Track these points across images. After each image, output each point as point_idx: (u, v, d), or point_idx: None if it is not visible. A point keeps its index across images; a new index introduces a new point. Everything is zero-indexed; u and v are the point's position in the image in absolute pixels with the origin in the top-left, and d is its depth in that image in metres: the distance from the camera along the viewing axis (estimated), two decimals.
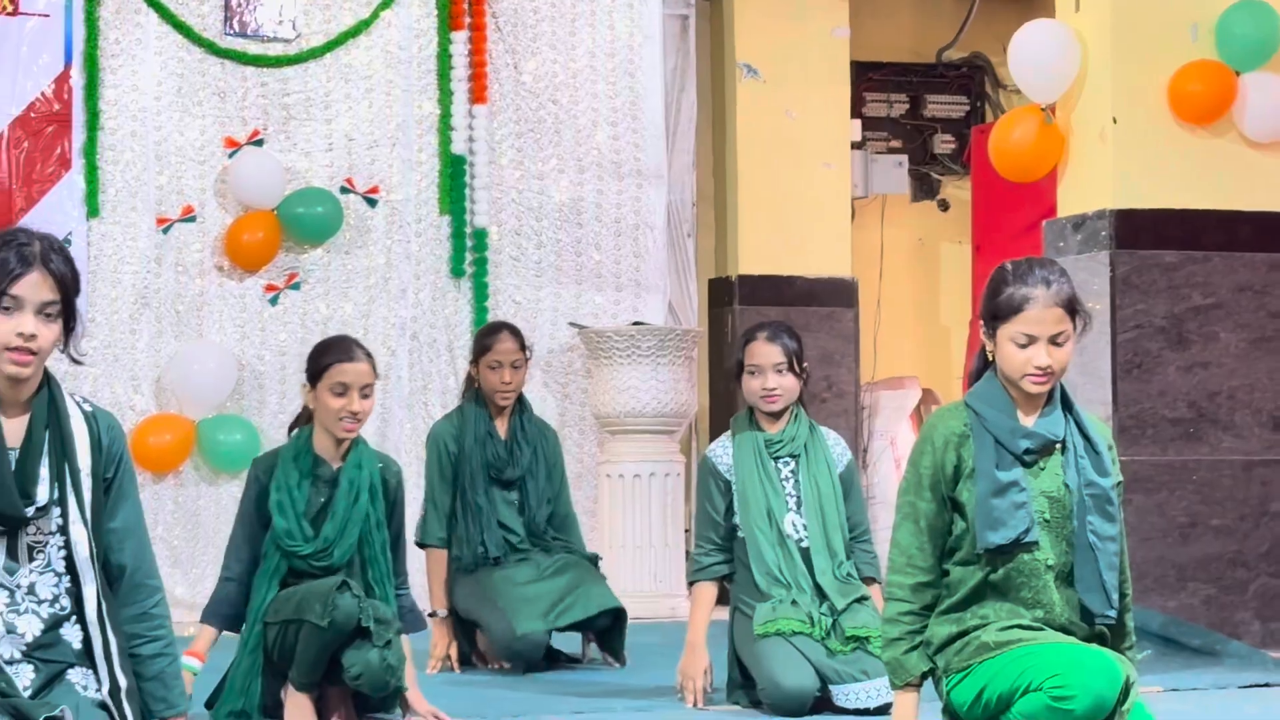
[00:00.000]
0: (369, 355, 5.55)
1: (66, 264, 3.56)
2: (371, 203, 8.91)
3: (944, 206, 11.02)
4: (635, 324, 9.14)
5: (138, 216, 8.79)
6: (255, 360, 8.94)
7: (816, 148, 9.80)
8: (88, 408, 3.65)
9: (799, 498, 5.93)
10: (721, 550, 5.92)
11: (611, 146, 9.40)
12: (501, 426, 7.07)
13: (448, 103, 9.18)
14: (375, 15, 9.14)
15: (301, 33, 9.01)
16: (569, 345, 9.20)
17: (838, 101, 9.95)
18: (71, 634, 3.59)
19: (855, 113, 10.23)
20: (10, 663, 3.52)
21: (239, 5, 8.99)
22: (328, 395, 5.46)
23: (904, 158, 10.73)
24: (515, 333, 7.08)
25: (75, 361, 3.64)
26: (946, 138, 11.00)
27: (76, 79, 8.70)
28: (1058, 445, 4.08)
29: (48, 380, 3.61)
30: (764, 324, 6.08)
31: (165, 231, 8.83)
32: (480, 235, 9.15)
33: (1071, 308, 4.04)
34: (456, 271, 9.15)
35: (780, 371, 5.90)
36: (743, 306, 9.77)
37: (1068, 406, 4.12)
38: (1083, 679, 3.90)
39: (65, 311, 3.53)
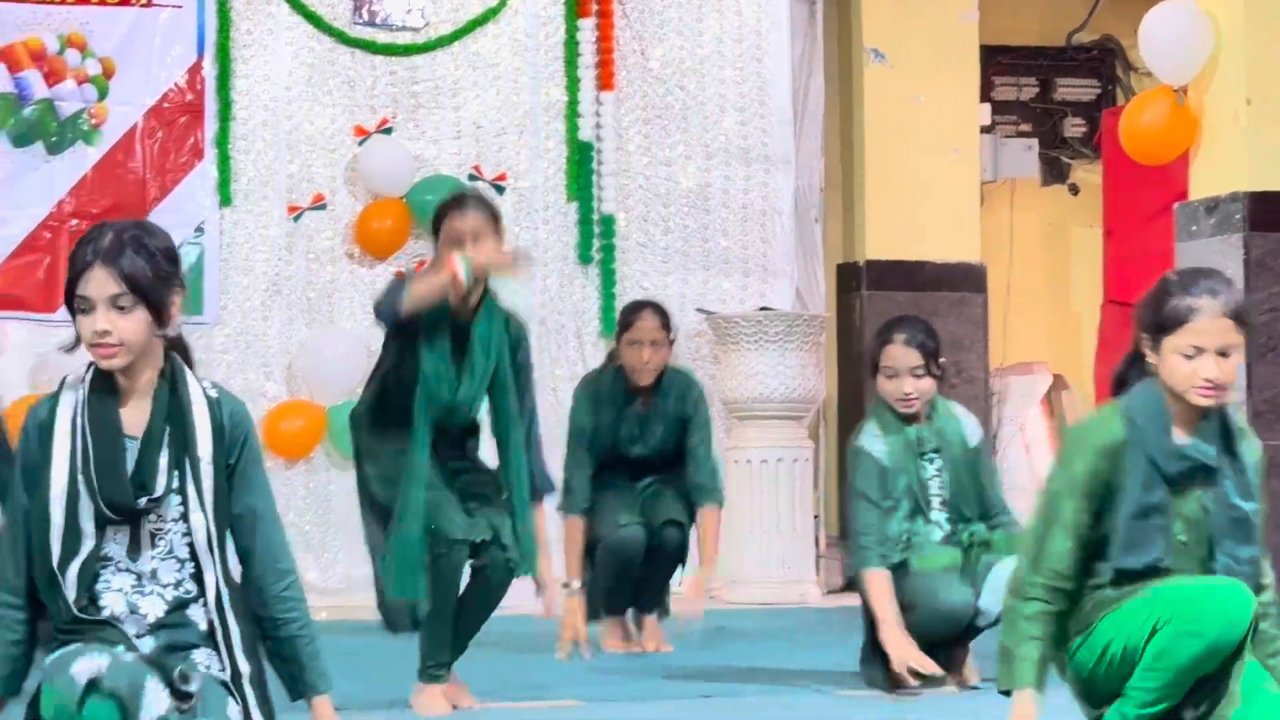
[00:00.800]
0: (485, 205, 5.60)
1: (139, 252, 3.54)
2: (499, 189, 8.95)
3: (1074, 190, 10.92)
4: (763, 309, 9.14)
5: (269, 205, 8.91)
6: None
7: (945, 132, 9.72)
8: (214, 393, 3.65)
9: (944, 497, 5.93)
10: (888, 539, 5.90)
11: (739, 132, 9.40)
12: (640, 404, 7.07)
13: (575, 90, 9.22)
14: (503, 3, 9.22)
15: (430, 21, 9.10)
16: (696, 331, 9.19)
17: (966, 85, 9.88)
18: (197, 615, 3.61)
19: (984, 97, 10.20)
20: (138, 637, 3.57)
21: None
22: (446, 248, 5.52)
23: (1034, 141, 10.64)
24: (659, 311, 7.03)
25: (173, 346, 3.66)
26: (1077, 121, 10.90)
27: (209, 69, 8.83)
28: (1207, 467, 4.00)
29: (170, 367, 3.65)
30: (900, 323, 6.03)
31: (296, 219, 8.94)
32: (608, 221, 9.17)
33: (1240, 319, 3.94)
34: (584, 258, 9.19)
35: (918, 375, 5.86)
36: (871, 291, 9.72)
37: (1224, 423, 4.03)
38: (1215, 604, 3.82)
39: (145, 299, 3.56)
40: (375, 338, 8.83)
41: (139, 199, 8.65)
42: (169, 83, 8.83)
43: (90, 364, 3.59)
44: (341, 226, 9.00)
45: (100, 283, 3.52)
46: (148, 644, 3.55)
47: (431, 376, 5.54)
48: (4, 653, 3.59)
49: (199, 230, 8.76)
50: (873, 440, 5.96)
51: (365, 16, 9.07)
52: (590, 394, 7.07)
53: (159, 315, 3.56)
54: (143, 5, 8.80)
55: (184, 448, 3.59)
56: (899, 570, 5.87)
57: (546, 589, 5.69)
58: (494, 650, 6.88)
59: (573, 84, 9.23)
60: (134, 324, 3.54)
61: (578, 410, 7.06)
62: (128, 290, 3.52)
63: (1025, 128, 10.79)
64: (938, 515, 5.95)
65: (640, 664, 6.80)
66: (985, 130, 10.17)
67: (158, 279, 3.55)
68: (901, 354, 5.88)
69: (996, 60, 10.48)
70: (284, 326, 8.86)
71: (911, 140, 9.69)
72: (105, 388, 3.60)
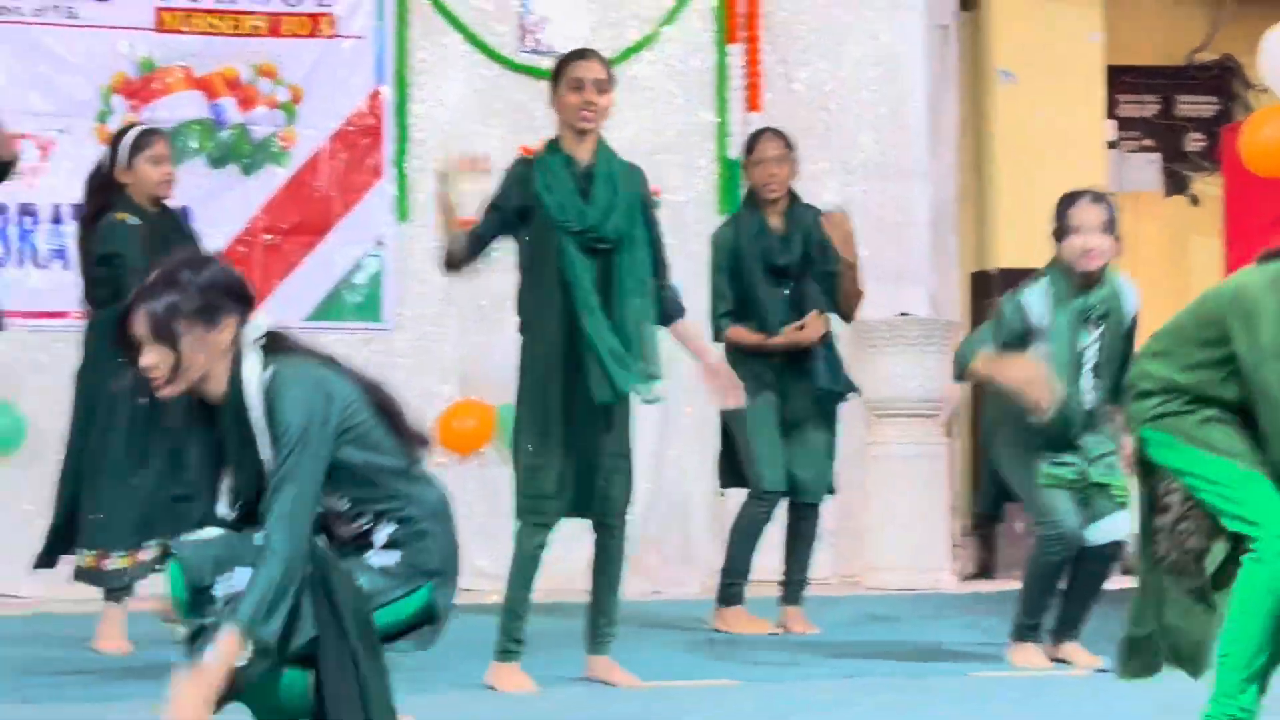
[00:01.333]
0: (602, 59, 5.77)
1: (167, 288, 3.87)
2: (655, 204, 8.97)
3: (1195, 202, 10.80)
4: (901, 315, 9.14)
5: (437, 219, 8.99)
6: None
7: (1072, 147, 9.67)
8: (269, 398, 3.87)
9: (1098, 362, 5.95)
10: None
11: (877, 149, 9.41)
12: (775, 221, 7.22)
13: (724, 111, 9.26)
14: (657, 32, 9.26)
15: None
16: (838, 334, 9.18)
17: (1092, 103, 9.83)
18: None
19: (1109, 113, 10.15)
20: None
21: (533, 25, 9.17)
22: (567, 93, 5.62)
23: (1156, 156, 10.55)
24: (779, 135, 7.29)
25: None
26: (1197, 136, 10.78)
27: (388, 95, 8.94)
28: None
29: (235, 382, 3.88)
30: (1084, 190, 6.06)
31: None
32: None
33: None
34: None
35: (1103, 232, 5.89)
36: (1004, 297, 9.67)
37: None
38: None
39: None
40: None
41: (324, 215, 8.81)
42: (351, 108, 8.95)
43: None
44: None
45: (139, 323, 3.88)
46: None
47: (556, 209, 5.60)
48: None
49: (379, 244, 8.90)
50: (1035, 296, 5.97)
51: (531, 45, 9.15)
52: (731, 231, 7.32)
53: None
54: (328, 37, 8.94)
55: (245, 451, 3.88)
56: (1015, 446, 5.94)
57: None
58: (646, 631, 6.97)
59: (722, 106, 9.27)
60: (171, 357, 3.88)
61: (717, 250, 7.31)
62: (150, 332, 3.86)
63: (1148, 143, 10.68)
64: (1087, 382, 5.94)
65: (788, 645, 6.82)
66: (1110, 145, 10.12)
67: (170, 320, 3.85)
68: (1090, 211, 5.94)
69: (1121, 79, 10.37)
70: (457, 332, 8.94)
71: (1040, 155, 9.64)
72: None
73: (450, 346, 8.96)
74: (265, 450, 3.85)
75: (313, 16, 8.90)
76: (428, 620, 3.99)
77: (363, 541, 3.93)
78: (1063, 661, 6.05)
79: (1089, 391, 5.95)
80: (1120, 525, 6.00)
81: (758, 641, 6.90)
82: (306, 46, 8.90)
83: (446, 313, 8.96)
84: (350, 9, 8.92)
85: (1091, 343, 5.96)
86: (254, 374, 3.86)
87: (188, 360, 3.86)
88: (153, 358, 3.86)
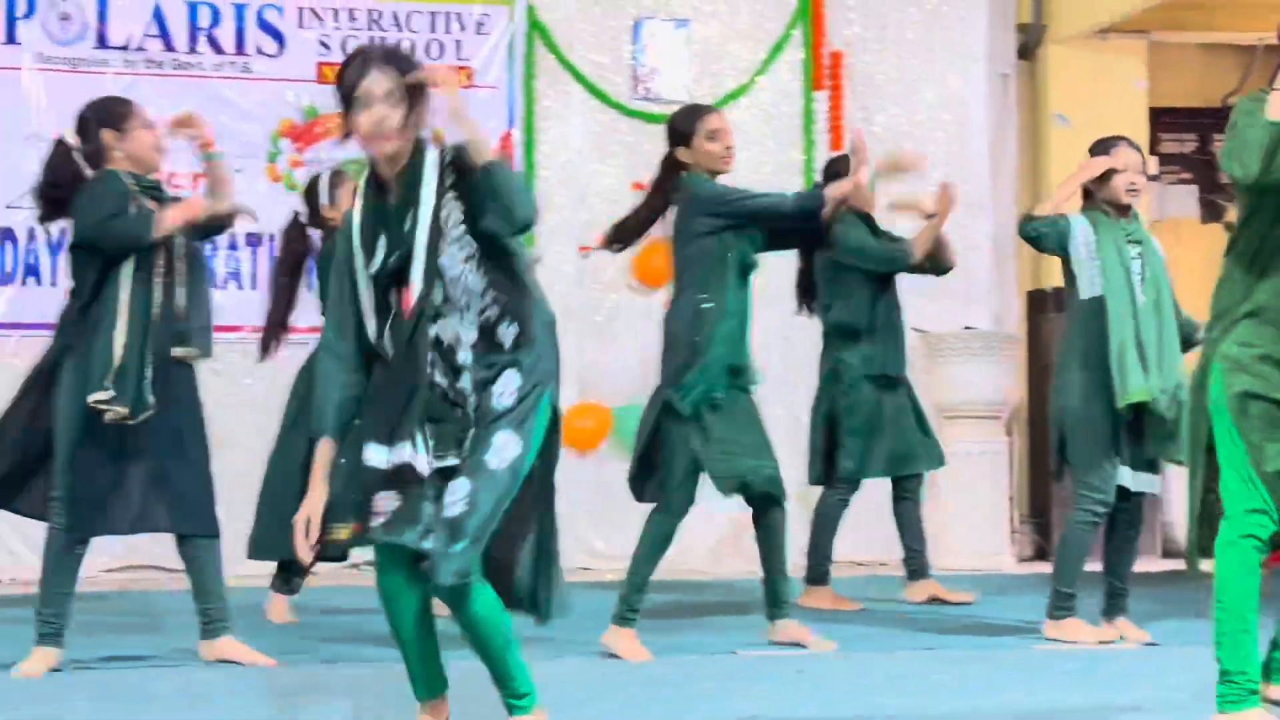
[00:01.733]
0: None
1: (400, 57, 3.97)
2: None
3: (1229, 228, 10.85)
4: (966, 329, 9.23)
5: (564, 246, 9.06)
6: (658, 359, 9.16)
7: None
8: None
9: (1143, 276, 6.04)
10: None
11: None
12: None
13: (811, 151, 9.35)
14: (752, 81, 9.35)
15: (694, 96, 9.11)
16: (911, 345, 9.25)
17: (1136, 141, 9.84)
18: None
19: (1152, 150, 10.12)
20: None
21: (644, 75, 9.28)
22: (706, 142, 5.86)
23: (1194, 188, 10.53)
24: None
25: None
26: None
27: (517, 137, 9.07)
28: None
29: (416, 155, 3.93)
30: (1119, 136, 6.27)
31: (586, 258, 9.11)
32: None
33: None
34: None
35: (1142, 173, 6.13)
36: (1055, 314, 9.75)
37: None
38: None
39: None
40: (650, 351, 9.05)
41: None
42: None
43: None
44: (621, 263, 9.06)
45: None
46: None
47: None
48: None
49: None
50: (1078, 221, 6.10)
51: (642, 93, 9.27)
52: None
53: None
54: (466, 87, 9.07)
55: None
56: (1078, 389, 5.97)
57: None
58: (753, 605, 7.08)
59: (809, 146, 9.38)
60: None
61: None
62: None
63: (1186, 176, 10.65)
64: (1140, 292, 6.00)
65: (873, 619, 6.87)
66: (1152, 178, 10.16)
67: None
68: (1130, 153, 6.16)
69: (1162, 119, 10.40)
70: (576, 343, 8.93)
71: None
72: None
73: (571, 355, 9.06)
74: (423, 224, 3.83)
75: (452, 69, 9.10)
76: (553, 425, 3.95)
77: (492, 337, 3.85)
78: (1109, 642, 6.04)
79: (1142, 301, 5.99)
80: (1155, 481, 6.06)
81: (845, 616, 6.94)
82: None
83: (567, 327, 9.03)
84: (485, 62, 9.08)
85: (1135, 257, 6.05)
86: (434, 150, 3.88)
87: (416, 119, 3.85)
88: (384, 111, 3.81)
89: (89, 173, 5.55)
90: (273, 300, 6.78)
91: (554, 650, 5.65)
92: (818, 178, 9.15)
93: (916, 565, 7.52)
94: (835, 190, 5.74)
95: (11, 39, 8.64)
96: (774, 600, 5.98)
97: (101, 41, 8.74)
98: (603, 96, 9.19)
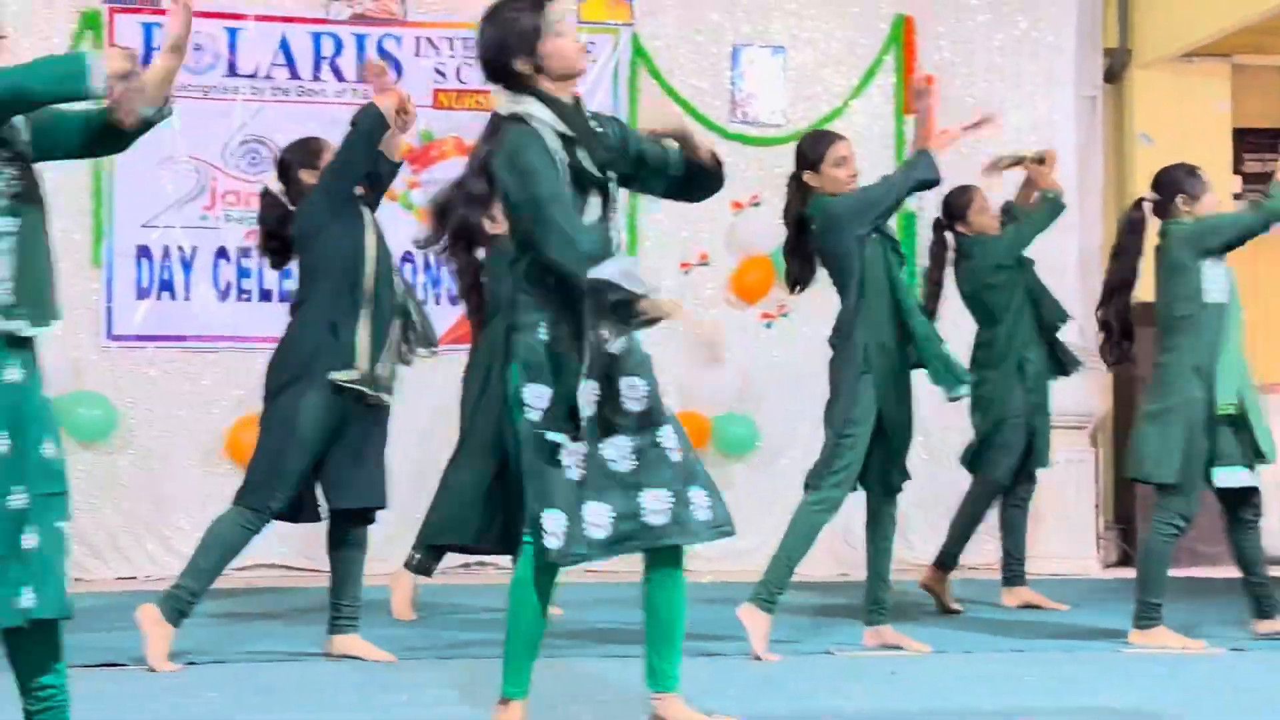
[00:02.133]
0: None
1: None
2: None
3: None
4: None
5: (667, 262, 9.08)
6: (755, 371, 9.10)
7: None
8: None
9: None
10: None
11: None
12: None
13: None
14: (845, 104, 9.30)
15: (790, 119, 9.22)
16: None
17: (1220, 161, 9.67)
18: None
19: (1235, 169, 9.95)
20: None
21: (742, 100, 9.26)
22: (831, 168, 5.97)
23: None
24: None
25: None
26: None
27: None
28: None
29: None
30: (1195, 165, 6.46)
31: (687, 274, 9.13)
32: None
33: None
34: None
35: None
36: (1141, 329, 9.67)
37: None
38: None
39: None
40: (748, 363, 9.11)
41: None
42: None
43: None
44: (721, 279, 9.19)
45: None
46: None
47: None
48: None
49: None
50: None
51: (740, 116, 9.23)
52: None
53: None
54: None
55: None
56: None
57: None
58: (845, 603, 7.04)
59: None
60: None
61: None
62: None
63: None
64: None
65: (966, 622, 6.84)
66: (1235, 197, 10.06)
67: None
68: (1209, 179, 6.43)
69: (1245, 139, 10.26)
70: (677, 356, 9.00)
71: None
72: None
73: (672, 366, 9.06)
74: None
75: None
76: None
77: None
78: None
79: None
80: (1241, 476, 6.03)
81: (940, 620, 6.85)
82: None
83: (669, 340, 9.03)
84: (592, 87, 9.06)
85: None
86: None
87: None
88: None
89: (293, 208, 5.81)
90: (468, 310, 6.89)
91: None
92: (910, 199, 9.16)
93: (1014, 572, 7.46)
94: (940, 144, 5.80)
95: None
96: (872, 604, 5.97)
97: (231, 70, 8.89)
98: (702, 119, 9.09)
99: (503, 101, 4.10)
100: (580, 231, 3.94)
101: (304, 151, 5.86)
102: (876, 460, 5.85)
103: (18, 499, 3.60)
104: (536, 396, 3.97)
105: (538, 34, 4.05)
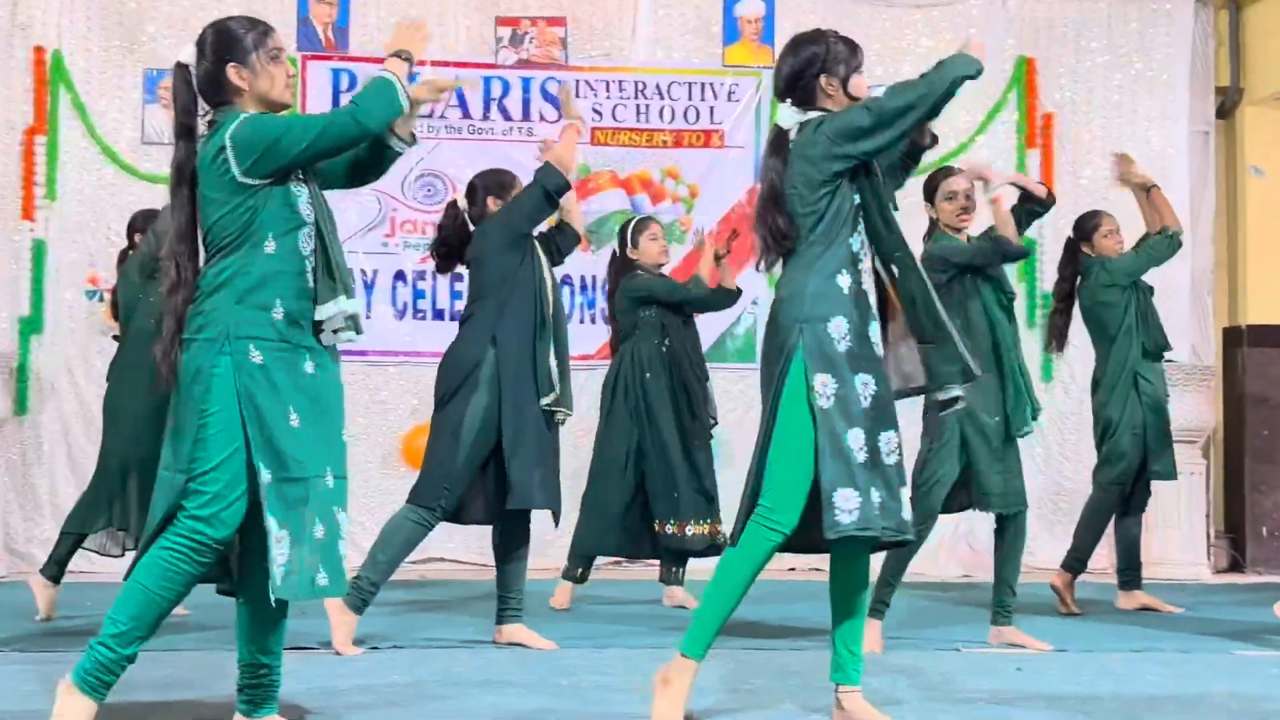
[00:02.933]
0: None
1: None
2: None
3: None
4: (1168, 362, 8.83)
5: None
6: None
7: None
8: None
9: None
10: None
11: None
12: None
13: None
14: (971, 140, 9.33)
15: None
16: None
17: None
18: None
19: None
20: None
21: None
22: (944, 201, 5.87)
23: None
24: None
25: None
26: None
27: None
28: None
29: None
30: None
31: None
32: (1045, 297, 9.16)
33: None
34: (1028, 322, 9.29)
35: None
36: (1250, 348, 9.55)
37: None
38: None
39: None
40: None
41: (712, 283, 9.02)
42: (733, 200, 9.17)
43: None
44: None
45: None
46: None
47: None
48: None
49: (754, 303, 9.08)
50: None
51: None
52: None
53: None
54: (718, 148, 9.21)
55: None
56: None
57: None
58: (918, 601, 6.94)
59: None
60: None
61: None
62: None
63: None
64: None
65: (1088, 622, 6.72)
66: None
67: None
68: None
69: None
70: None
71: None
72: None
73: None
74: None
75: (706, 132, 9.21)
76: None
77: None
78: None
79: None
80: None
81: (1061, 621, 6.75)
82: (702, 155, 9.14)
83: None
84: (735, 125, 9.16)
85: None
86: None
87: None
88: None
89: (472, 228, 5.91)
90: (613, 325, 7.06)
91: (800, 640, 5.64)
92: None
93: (1130, 577, 7.35)
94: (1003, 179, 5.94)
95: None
96: (999, 606, 5.90)
97: None
98: None
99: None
100: None
101: (495, 181, 5.93)
102: (997, 477, 5.78)
103: (328, 480, 3.75)
104: (824, 385, 3.95)
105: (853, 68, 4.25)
